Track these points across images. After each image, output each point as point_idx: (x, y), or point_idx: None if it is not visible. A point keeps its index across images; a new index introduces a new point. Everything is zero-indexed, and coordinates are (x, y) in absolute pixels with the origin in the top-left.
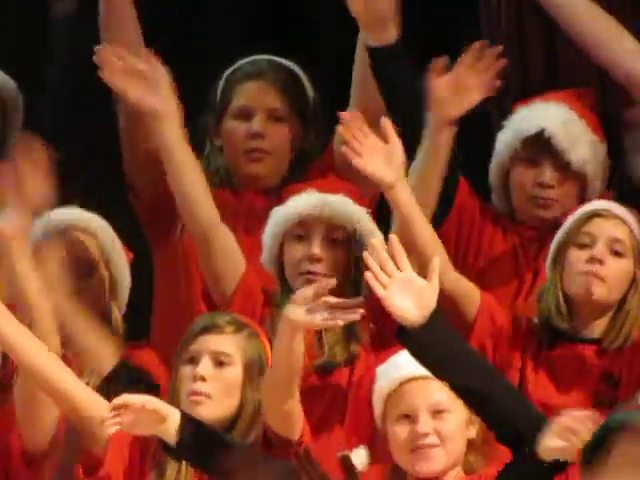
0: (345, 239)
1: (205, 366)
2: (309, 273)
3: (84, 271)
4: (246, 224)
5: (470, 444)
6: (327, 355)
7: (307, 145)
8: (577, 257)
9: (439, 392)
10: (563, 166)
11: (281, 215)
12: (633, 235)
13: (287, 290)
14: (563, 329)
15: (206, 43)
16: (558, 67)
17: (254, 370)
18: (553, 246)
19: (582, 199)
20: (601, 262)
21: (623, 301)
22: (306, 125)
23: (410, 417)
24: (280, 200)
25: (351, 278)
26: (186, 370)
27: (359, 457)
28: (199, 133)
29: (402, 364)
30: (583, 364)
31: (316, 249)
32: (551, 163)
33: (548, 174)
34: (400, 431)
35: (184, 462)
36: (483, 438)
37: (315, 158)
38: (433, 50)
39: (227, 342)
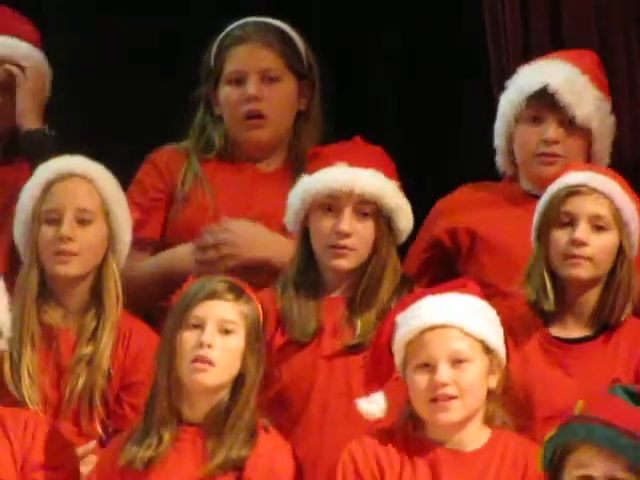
0: (374, 213)
1: (211, 333)
2: (337, 246)
3: (81, 221)
4: (247, 198)
5: (490, 393)
6: (358, 337)
7: (305, 103)
8: (560, 237)
9: (459, 341)
10: (567, 121)
11: (312, 186)
12: (614, 206)
13: (308, 256)
14: (553, 311)
15: None
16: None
17: (253, 336)
18: (535, 223)
19: (588, 156)
20: (584, 243)
21: (613, 272)
22: (301, 81)
23: (429, 366)
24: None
25: (378, 251)
26: (190, 335)
27: (376, 403)
28: (195, 104)
29: (422, 312)
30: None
31: (345, 225)
32: (555, 119)
33: (552, 129)
34: (419, 380)
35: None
36: (504, 387)
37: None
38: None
39: (232, 310)
